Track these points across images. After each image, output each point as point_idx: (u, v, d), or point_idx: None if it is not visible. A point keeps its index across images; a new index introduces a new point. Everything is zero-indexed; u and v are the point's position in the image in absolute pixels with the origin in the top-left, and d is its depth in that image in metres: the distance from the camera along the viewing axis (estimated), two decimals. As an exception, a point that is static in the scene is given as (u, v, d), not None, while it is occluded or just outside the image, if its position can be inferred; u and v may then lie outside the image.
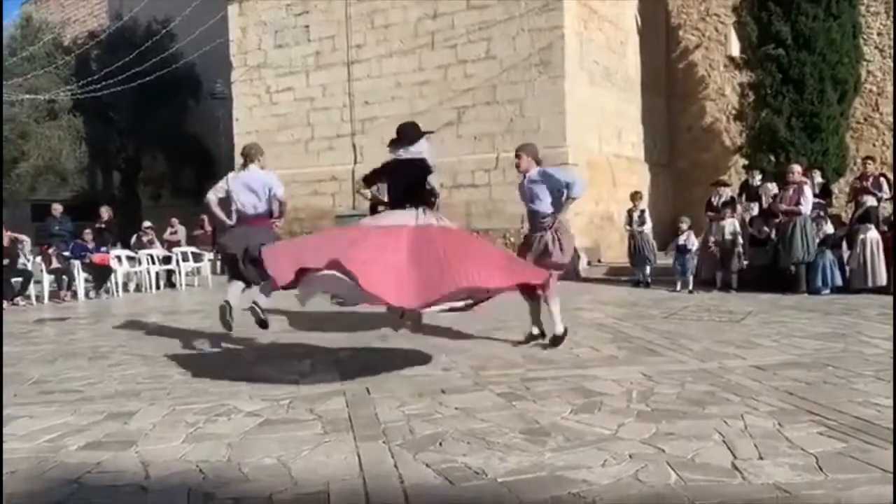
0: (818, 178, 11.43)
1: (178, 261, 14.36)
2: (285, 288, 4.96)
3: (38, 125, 22.02)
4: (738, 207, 11.25)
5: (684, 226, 10.92)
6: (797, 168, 10.31)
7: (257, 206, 6.29)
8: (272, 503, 2.97)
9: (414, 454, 3.48)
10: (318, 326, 7.59)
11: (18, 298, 11.59)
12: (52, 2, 28.84)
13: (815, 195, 10.34)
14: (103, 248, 13.06)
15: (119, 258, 13.19)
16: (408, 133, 5.11)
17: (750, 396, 4.35)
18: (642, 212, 11.72)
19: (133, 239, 14.91)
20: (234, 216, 6.47)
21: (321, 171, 16.35)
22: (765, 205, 11.10)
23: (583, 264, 13.08)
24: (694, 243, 10.76)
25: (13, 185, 22.12)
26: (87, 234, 13.13)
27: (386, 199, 5.70)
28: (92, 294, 12.49)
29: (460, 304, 5.14)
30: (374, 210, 7.34)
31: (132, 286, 13.62)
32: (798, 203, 9.82)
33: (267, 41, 17.21)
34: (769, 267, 10.17)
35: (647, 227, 11.61)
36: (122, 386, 5.28)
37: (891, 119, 15.26)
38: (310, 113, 16.68)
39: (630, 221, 11.77)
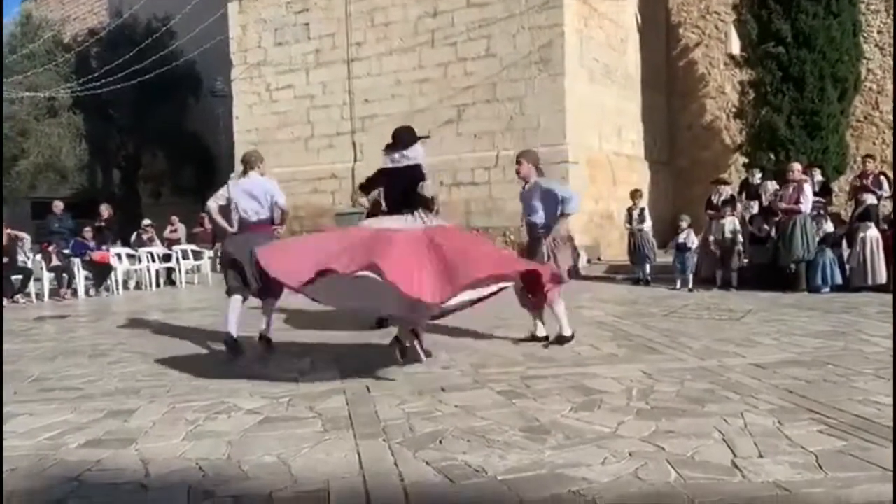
0: (818, 177, 11.40)
1: (178, 258, 14.37)
2: (296, 290, 4.91)
3: (38, 123, 22.00)
4: (738, 206, 11.24)
5: (684, 224, 10.92)
6: (797, 166, 10.30)
7: (259, 212, 6.28)
8: (272, 501, 2.97)
9: (414, 452, 3.48)
10: (318, 324, 7.59)
11: (18, 296, 11.59)
12: (52, -1, 28.85)
13: (815, 193, 10.34)
14: (104, 247, 13.06)
15: (119, 256, 13.20)
16: (403, 138, 5.12)
17: (750, 394, 4.35)
18: (642, 210, 11.72)
19: (133, 237, 14.91)
20: (236, 223, 6.46)
21: (321, 169, 16.35)
22: (765, 203, 11.10)
23: (583, 262, 13.09)
24: (694, 241, 10.76)
25: (13, 183, 22.10)
26: (87, 231, 13.13)
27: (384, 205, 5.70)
28: (92, 292, 12.49)
29: (468, 298, 5.13)
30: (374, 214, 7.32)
31: (132, 284, 13.63)
32: (798, 201, 9.81)
33: (267, 39, 17.19)
34: (769, 265, 10.17)
35: (647, 226, 11.61)
36: (122, 384, 5.28)
37: (891, 117, 15.26)
38: (310, 111, 16.67)
39: (630, 219, 11.77)
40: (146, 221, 15.38)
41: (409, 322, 4.99)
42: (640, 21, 16.95)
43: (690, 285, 10.54)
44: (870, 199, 10.21)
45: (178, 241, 15.36)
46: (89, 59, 22.57)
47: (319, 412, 4.26)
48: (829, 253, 9.82)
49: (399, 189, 5.01)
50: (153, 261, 13.83)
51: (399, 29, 15.44)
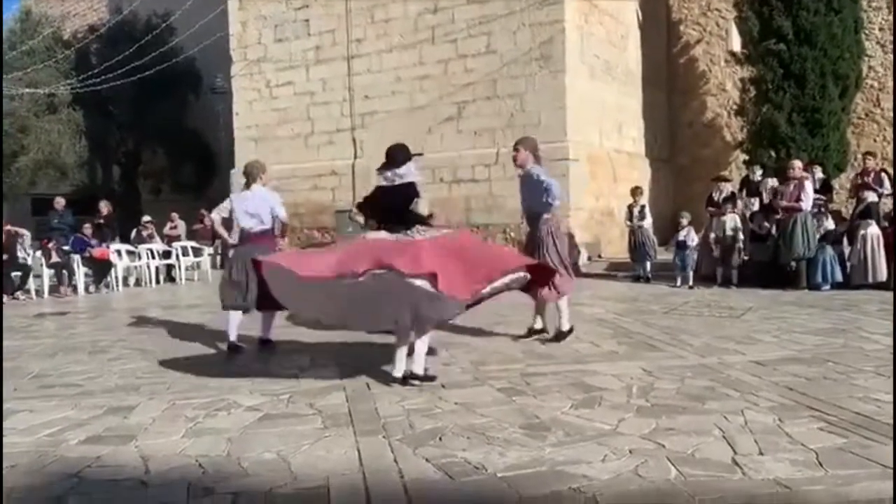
0: (819, 174, 11.41)
1: (177, 255, 14.37)
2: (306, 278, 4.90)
3: (38, 119, 21.97)
4: (739, 203, 11.24)
5: (684, 221, 10.92)
6: (798, 164, 10.29)
7: (260, 225, 6.35)
8: (272, 498, 2.97)
9: (414, 449, 3.48)
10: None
11: (18, 292, 11.59)
12: (52, -4, 28.76)
13: (815, 191, 10.33)
14: (103, 243, 13.05)
15: (119, 252, 13.19)
16: (396, 157, 5.14)
17: (750, 392, 4.35)
18: (643, 207, 11.71)
19: (133, 233, 14.90)
20: (237, 235, 6.51)
21: (321, 166, 16.33)
22: (765, 200, 11.09)
23: (583, 260, 13.09)
24: (694, 239, 10.76)
25: (13, 180, 22.09)
26: (87, 228, 13.13)
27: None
28: (92, 288, 12.49)
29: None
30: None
31: (132, 280, 13.62)
32: (798, 199, 9.81)
33: (267, 35, 17.16)
34: (769, 263, 10.17)
35: (648, 223, 11.60)
36: (122, 380, 5.28)
37: (892, 114, 15.23)
38: (310, 107, 16.64)
39: (630, 217, 11.77)
40: (146, 218, 15.37)
41: (420, 327, 4.86)
42: (640, 17, 16.92)
43: (691, 282, 10.53)
44: (871, 196, 10.20)
45: (177, 238, 15.36)
46: (89, 55, 22.55)
47: (319, 409, 4.26)
48: (829, 250, 9.81)
49: (394, 208, 5.02)
50: (153, 257, 13.83)
51: (399, 25, 15.41)
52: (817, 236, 9.85)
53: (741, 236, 10.46)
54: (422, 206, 4.94)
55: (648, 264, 11.53)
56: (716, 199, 11.11)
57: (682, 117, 18.13)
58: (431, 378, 4.82)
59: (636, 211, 11.69)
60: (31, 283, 11.96)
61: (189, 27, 19.22)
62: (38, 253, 12.40)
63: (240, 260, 6.24)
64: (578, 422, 3.86)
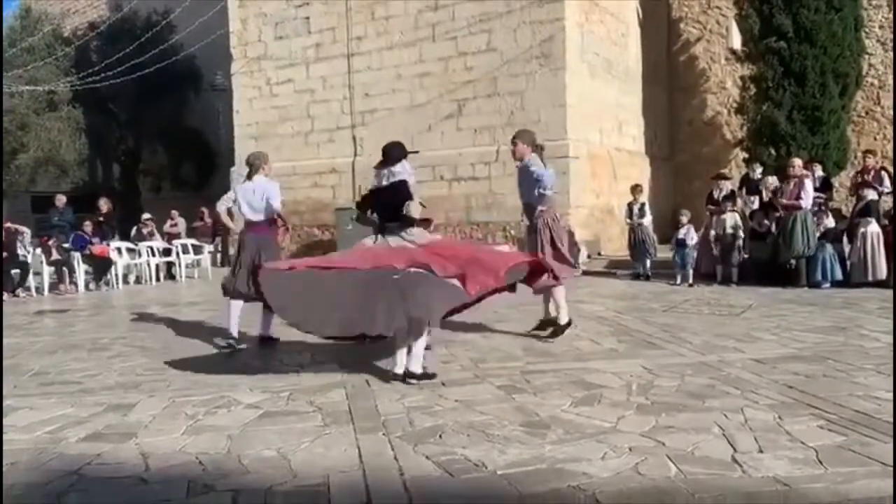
0: (819, 172, 11.41)
1: (178, 253, 14.37)
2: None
3: (38, 117, 21.94)
4: (739, 201, 11.23)
5: (684, 219, 10.91)
6: (798, 162, 10.29)
7: (259, 214, 6.39)
8: (272, 495, 2.97)
9: (414, 446, 3.49)
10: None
11: (19, 290, 11.59)
12: (52, -7, 28.72)
13: (815, 189, 10.33)
14: (103, 241, 13.05)
15: (119, 250, 13.19)
16: (391, 154, 5.15)
17: (750, 390, 4.35)
18: (642, 205, 11.71)
19: (133, 231, 14.89)
20: (242, 224, 6.56)
21: (321, 164, 16.32)
22: (765, 198, 11.09)
23: (583, 257, 13.08)
24: (693, 237, 10.75)
25: (13, 177, 22.07)
26: (87, 225, 13.13)
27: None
28: (92, 286, 12.49)
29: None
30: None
31: (132, 278, 13.62)
32: (798, 197, 9.80)
33: (267, 33, 17.14)
34: (769, 261, 10.16)
35: (648, 221, 11.60)
36: (122, 378, 5.29)
37: (892, 113, 15.22)
38: (310, 105, 16.63)
39: (630, 214, 11.76)
40: (146, 216, 15.37)
41: (414, 328, 4.86)
42: (641, 16, 16.90)
43: (690, 280, 10.53)
44: (870, 194, 10.19)
45: (178, 236, 15.37)
46: (89, 52, 22.52)
47: (319, 406, 4.26)
48: (829, 248, 9.81)
49: (388, 206, 5.03)
50: (153, 255, 13.82)
51: (400, 23, 15.40)
52: (817, 234, 9.85)
53: (741, 234, 10.46)
54: (413, 209, 4.92)
55: (648, 262, 11.53)
56: (716, 197, 11.11)
57: (683, 115, 18.12)
58: (430, 376, 4.82)
59: (636, 209, 11.68)
60: (31, 281, 11.96)
61: (189, 25, 19.19)
62: (38, 250, 12.40)
63: (243, 249, 6.32)
64: (578, 419, 3.86)
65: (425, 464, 3.26)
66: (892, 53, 15.33)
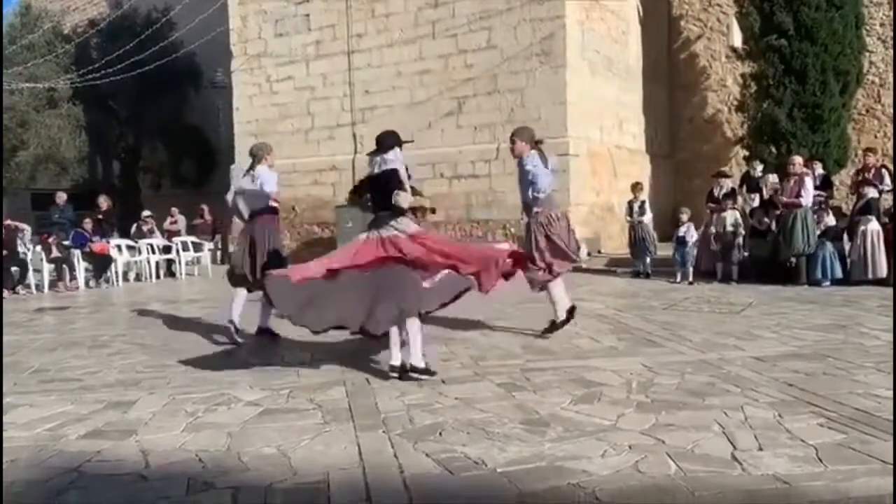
0: (819, 170, 11.40)
1: (178, 250, 14.37)
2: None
3: (38, 114, 21.93)
4: (739, 199, 11.23)
5: (684, 217, 10.90)
6: (798, 159, 10.27)
7: (260, 203, 6.43)
8: (272, 492, 2.97)
9: (414, 444, 3.49)
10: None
11: (19, 287, 11.59)
12: (52, -10, 28.69)
13: (815, 187, 10.32)
14: (103, 238, 13.05)
15: (119, 247, 13.19)
16: (383, 142, 5.15)
17: (750, 388, 4.35)
18: (643, 203, 11.70)
19: (133, 228, 14.89)
20: (246, 214, 6.63)
21: (322, 161, 16.32)
22: (765, 196, 11.08)
23: (583, 255, 13.07)
24: (694, 235, 10.75)
25: (13, 174, 22.06)
26: (87, 223, 13.12)
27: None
28: (92, 283, 12.49)
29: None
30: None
31: (132, 275, 13.63)
32: (799, 195, 9.79)
33: (267, 30, 17.13)
34: (769, 258, 10.15)
35: (648, 218, 11.59)
36: (122, 375, 5.29)
37: (892, 111, 15.20)
38: (310, 102, 16.63)
39: (630, 212, 11.75)
40: (146, 213, 15.37)
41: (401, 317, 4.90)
42: (641, 13, 16.88)
43: (691, 278, 10.53)
44: (871, 192, 10.19)
45: (178, 233, 15.37)
46: (89, 50, 22.48)
47: (319, 404, 4.26)
48: (829, 246, 9.80)
49: (380, 194, 5.04)
50: (153, 252, 13.82)
51: (400, 20, 15.38)
52: (817, 232, 9.84)
53: (741, 232, 10.45)
54: (401, 199, 4.91)
55: (648, 260, 11.53)
56: (716, 194, 11.10)
57: (683, 113, 18.11)
58: (431, 373, 4.82)
59: (636, 206, 11.67)
60: (31, 278, 11.96)
61: (189, 22, 19.15)
62: (39, 248, 12.40)
63: (245, 238, 6.41)
64: (578, 417, 3.86)
65: (425, 461, 3.26)
66: (892, 51, 15.31)
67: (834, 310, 7.58)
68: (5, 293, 10.79)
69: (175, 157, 24.17)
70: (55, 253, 12.19)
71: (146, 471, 3.25)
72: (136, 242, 13.84)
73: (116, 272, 12.84)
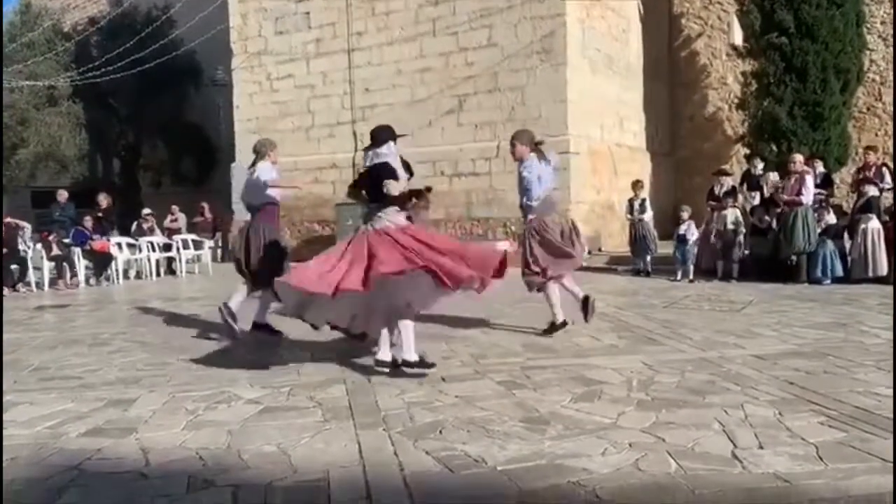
0: (820, 168, 11.39)
1: (178, 248, 14.37)
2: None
3: (38, 112, 21.94)
4: (740, 197, 11.23)
5: (685, 215, 10.90)
6: (799, 157, 10.28)
7: (260, 198, 6.44)
8: (272, 490, 2.97)
9: (414, 442, 3.48)
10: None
11: (19, 285, 11.59)
12: (52, -13, 28.66)
13: (816, 185, 10.32)
14: (104, 236, 13.05)
15: (119, 245, 13.19)
16: (377, 136, 5.14)
17: (750, 386, 4.35)
18: (643, 201, 11.70)
19: (133, 226, 14.90)
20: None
21: (322, 159, 16.30)
22: (766, 194, 11.08)
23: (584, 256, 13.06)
24: (694, 233, 10.75)
25: (13, 172, 22.07)
26: (88, 220, 13.12)
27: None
28: (92, 281, 12.50)
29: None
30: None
31: (132, 273, 13.63)
32: (799, 193, 9.79)
33: (267, 28, 17.12)
34: (770, 256, 10.16)
35: (648, 216, 11.60)
36: (123, 373, 5.29)
37: (892, 109, 15.19)
38: (310, 100, 16.62)
39: (631, 210, 11.76)
40: (146, 211, 15.39)
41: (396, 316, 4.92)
42: (642, 11, 16.87)
43: (691, 276, 10.53)
44: (871, 190, 10.19)
45: (178, 231, 15.37)
46: (89, 47, 22.48)
47: (319, 402, 4.26)
48: (829, 244, 9.81)
49: (371, 187, 5.05)
50: (153, 250, 13.83)
51: (400, 18, 15.37)
52: (818, 230, 9.84)
53: (742, 230, 10.46)
54: (391, 188, 4.89)
55: (649, 258, 11.53)
56: (716, 192, 11.11)
57: (684, 111, 18.10)
58: (429, 364, 4.82)
59: (637, 204, 11.68)
60: (32, 276, 11.96)
61: (189, 20, 19.15)
62: (39, 245, 12.40)
63: (241, 233, 6.50)
64: (578, 415, 3.86)
65: (425, 459, 3.25)
66: (892, 49, 15.30)
67: (834, 308, 7.58)
68: (6, 291, 10.79)
69: (175, 155, 24.17)
70: (55, 251, 12.19)
71: (146, 469, 3.25)
72: (137, 240, 13.85)
73: (117, 270, 12.85)
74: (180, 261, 14.31)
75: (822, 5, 13.82)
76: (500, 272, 5.02)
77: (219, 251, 17.16)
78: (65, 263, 12.26)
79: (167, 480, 3.09)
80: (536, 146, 6.25)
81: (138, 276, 13.65)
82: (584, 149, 14.19)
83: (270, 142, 6.71)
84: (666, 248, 11.57)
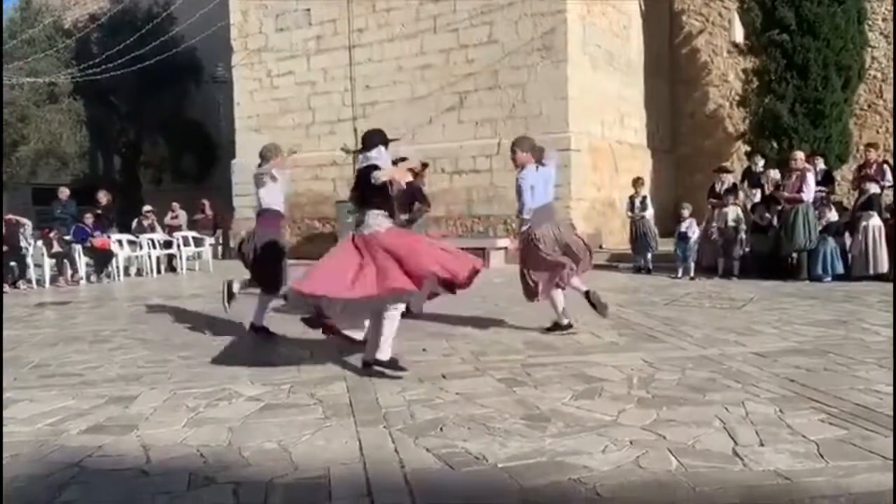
0: (821, 165, 11.38)
1: (179, 245, 14.37)
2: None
3: (39, 109, 21.92)
4: (741, 194, 11.22)
5: (686, 213, 10.90)
6: (800, 155, 10.27)
7: (262, 203, 6.54)
8: (273, 487, 2.97)
9: (414, 439, 3.49)
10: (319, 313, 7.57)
11: (20, 282, 11.59)
12: (53, -16, 28.63)
13: (817, 182, 10.31)
14: (104, 233, 13.04)
15: (120, 242, 13.19)
16: (369, 140, 5.15)
17: (751, 383, 4.35)
18: (644, 198, 11.70)
19: (134, 223, 14.90)
20: None
21: (322, 156, 16.29)
22: (767, 191, 11.07)
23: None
24: (695, 230, 10.74)
25: (14, 169, 22.07)
26: (89, 217, 13.12)
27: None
28: (93, 278, 12.50)
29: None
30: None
31: (133, 270, 13.64)
32: (800, 190, 9.79)
33: (268, 25, 17.10)
34: (771, 254, 10.16)
35: (649, 214, 11.60)
36: (123, 370, 5.29)
37: (893, 106, 15.17)
38: (311, 97, 16.60)
39: (632, 208, 11.76)
40: (147, 208, 15.38)
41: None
42: (643, 8, 16.84)
43: (692, 274, 10.53)
44: (872, 187, 10.18)
45: (179, 228, 15.36)
46: (90, 44, 22.47)
47: (320, 399, 4.27)
48: (830, 242, 9.80)
49: (361, 190, 5.05)
50: (154, 247, 13.83)
51: (401, 15, 15.35)
52: (819, 228, 9.84)
53: (742, 227, 10.46)
54: (380, 175, 4.88)
55: (650, 255, 11.53)
56: (717, 190, 11.11)
57: (684, 108, 18.07)
58: (399, 368, 4.77)
59: (637, 202, 11.68)
60: (32, 273, 11.97)
61: (190, 16, 19.13)
62: (40, 242, 12.41)
63: (247, 235, 6.65)
64: (579, 413, 3.86)
65: (426, 456, 3.26)
66: (893, 46, 15.27)
67: (835, 305, 7.58)
68: (6, 288, 10.79)
69: (176, 151, 24.17)
70: (56, 248, 12.19)
71: (147, 466, 3.25)
72: (137, 237, 13.85)
73: (117, 267, 12.85)
74: (181, 258, 14.31)
75: (823, 2, 13.78)
76: (468, 280, 4.99)
77: (219, 248, 17.16)
78: (66, 260, 12.26)
79: (168, 477, 3.10)
80: (536, 152, 6.20)
81: (139, 273, 13.65)
82: (585, 146, 14.18)
83: (274, 147, 6.73)
84: (667, 246, 11.56)
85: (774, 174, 11.25)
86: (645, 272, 11.35)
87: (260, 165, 6.57)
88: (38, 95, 21.79)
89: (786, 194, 9.98)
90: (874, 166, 10.73)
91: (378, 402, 4.17)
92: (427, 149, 13.92)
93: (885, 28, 15.74)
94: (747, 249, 10.52)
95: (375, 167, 4.96)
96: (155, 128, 23.76)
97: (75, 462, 3.31)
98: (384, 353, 4.80)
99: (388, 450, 3.36)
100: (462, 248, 5.47)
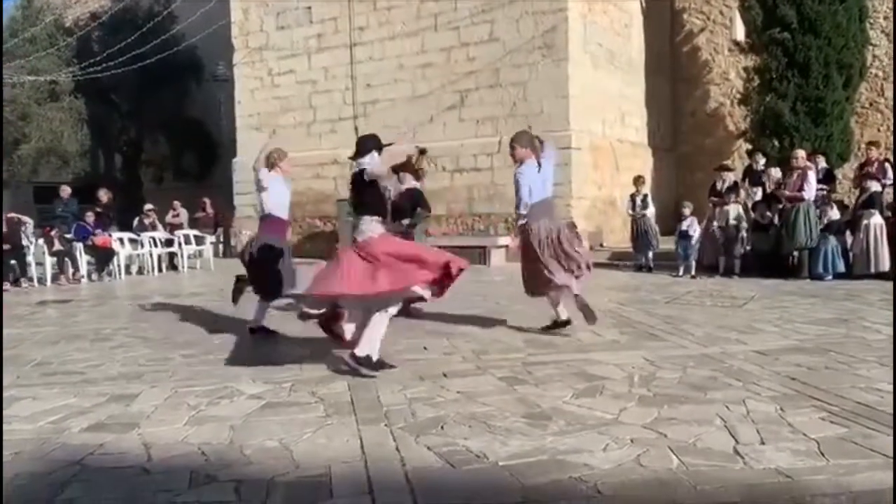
0: (822, 164, 11.37)
1: (180, 243, 14.38)
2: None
3: (40, 107, 21.95)
4: (742, 192, 11.21)
5: (687, 211, 10.90)
6: (801, 153, 10.27)
7: (263, 209, 6.56)
8: (274, 485, 2.97)
9: (416, 437, 3.49)
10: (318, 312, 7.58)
11: (22, 280, 11.60)
12: (54, -18, 28.63)
13: (818, 181, 10.30)
14: (105, 232, 13.05)
15: (121, 241, 13.20)
16: (362, 146, 5.14)
17: (752, 381, 4.35)
18: (645, 196, 11.70)
19: (135, 221, 14.91)
20: None
21: (323, 155, 16.29)
22: (768, 190, 11.07)
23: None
24: (696, 229, 10.74)
25: (15, 168, 22.10)
26: (90, 216, 13.13)
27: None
28: (94, 276, 12.51)
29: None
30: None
31: (134, 269, 13.65)
32: (801, 188, 9.78)
33: (269, 23, 17.10)
34: (772, 252, 10.16)
35: (650, 212, 11.59)
36: (125, 368, 5.29)
37: (893, 104, 15.15)
38: (312, 96, 16.61)
39: (633, 206, 11.75)
40: (148, 206, 15.38)
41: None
42: (644, 6, 16.83)
43: (693, 272, 10.53)
44: (874, 186, 10.17)
45: (180, 226, 15.37)
46: (91, 43, 22.49)
47: (321, 397, 4.27)
48: (831, 240, 9.80)
49: (355, 194, 5.06)
50: (155, 245, 13.84)
51: (402, 13, 15.35)
52: (820, 226, 9.83)
53: (744, 226, 10.45)
54: (374, 169, 4.89)
55: (651, 254, 11.53)
56: (718, 188, 11.10)
57: (685, 106, 18.06)
58: (373, 367, 4.75)
59: (638, 200, 11.67)
60: (34, 271, 11.98)
61: (191, 15, 19.15)
62: (41, 241, 12.42)
63: (249, 246, 6.63)
64: (580, 411, 3.86)
65: (427, 455, 3.26)
66: (893, 45, 15.25)
67: (836, 304, 7.57)
68: (7, 286, 10.80)
69: (177, 150, 24.19)
70: (57, 246, 12.20)
71: (149, 464, 3.25)
72: (139, 236, 13.86)
73: (119, 265, 12.86)
74: (182, 256, 14.32)
75: (824, 0, 13.78)
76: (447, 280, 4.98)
77: (220, 246, 17.16)
78: (67, 259, 12.27)
79: (169, 475, 3.10)
80: (535, 146, 6.17)
81: (140, 271, 13.67)
82: (586, 144, 14.18)
83: (280, 152, 6.66)
84: (668, 244, 11.56)
85: (776, 172, 11.24)
86: (646, 270, 11.35)
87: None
88: (40, 94, 21.81)
89: (787, 193, 9.98)
90: (875, 164, 10.71)
91: (379, 400, 4.18)
92: (428, 147, 13.90)
93: (887, 26, 15.72)
94: (748, 248, 10.51)
95: (362, 174, 4.99)
96: (156, 126, 23.78)
97: (77, 460, 3.31)
98: (362, 350, 4.78)
99: (389, 448, 3.36)
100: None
